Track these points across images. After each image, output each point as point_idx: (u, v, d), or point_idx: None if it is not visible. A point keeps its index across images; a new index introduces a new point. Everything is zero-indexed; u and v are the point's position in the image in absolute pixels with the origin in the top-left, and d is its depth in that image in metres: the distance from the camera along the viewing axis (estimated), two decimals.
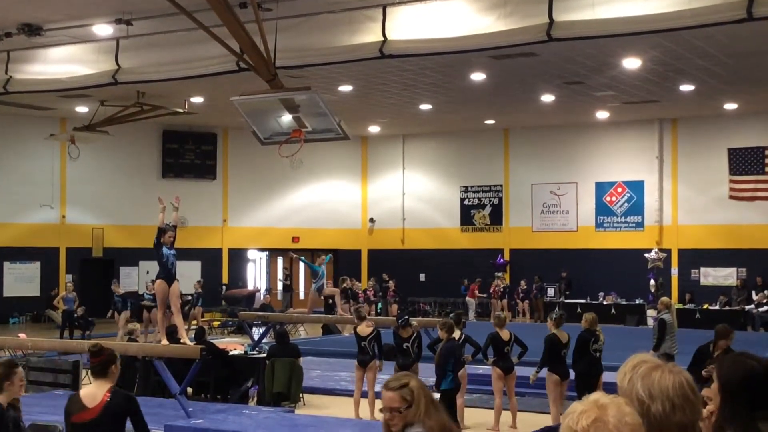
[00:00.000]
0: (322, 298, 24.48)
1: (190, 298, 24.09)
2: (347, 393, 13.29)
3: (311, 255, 23.63)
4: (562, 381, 11.03)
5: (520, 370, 12.09)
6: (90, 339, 20.36)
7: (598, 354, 11.13)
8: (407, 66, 19.55)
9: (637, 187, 28.21)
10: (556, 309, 17.17)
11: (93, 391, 5.65)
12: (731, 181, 26.25)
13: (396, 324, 12.34)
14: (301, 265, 26.13)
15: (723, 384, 3.01)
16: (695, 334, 19.57)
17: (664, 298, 13.84)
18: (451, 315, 12.26)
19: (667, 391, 2.42)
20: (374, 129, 30.17)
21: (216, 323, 24.94)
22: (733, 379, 3.00)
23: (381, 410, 3.73)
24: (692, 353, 9.63)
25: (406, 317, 12.68)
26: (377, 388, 12.50)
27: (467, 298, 28.28)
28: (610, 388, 2.48)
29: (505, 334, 11.75)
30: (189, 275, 24.78)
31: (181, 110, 23.67)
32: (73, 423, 5.62)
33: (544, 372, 11.24)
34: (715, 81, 21.42)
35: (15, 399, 6.77)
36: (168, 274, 12.20)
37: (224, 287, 29.45)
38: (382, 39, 13.12)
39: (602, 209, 28.76)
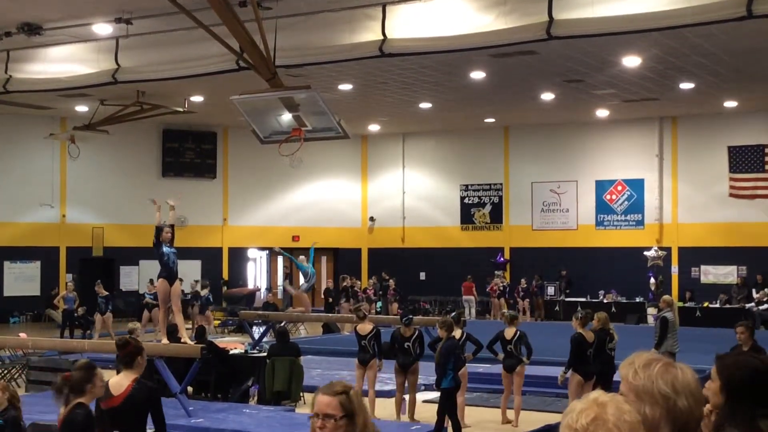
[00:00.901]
0: (324, 296, 24.50)
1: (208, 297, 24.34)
2: None
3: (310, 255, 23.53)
4: (585, 381, 10.84)
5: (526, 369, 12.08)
6: (90, 338, 20.36)
7: (612, 353, 11.13)
8: (407, 64, 19.53)
9: (637, 185, 28.19)
10: (580, 308, 16.84)
11: (120, 381, 5.95)
12: (731, 179, 26.24)
13: (401, 322, 12.34)
14: None
15: (725, 382, 3.01)
16: (696, 332, 19.60)
17: (666, 297, 13.81)
18: (453, 314, 12.23)
19: (689, 387, 2.45)
20: (374, 127, 30.15)
21: (216, 322, 24.92)
22: (736, 377, 3.01)
23: (311, 417, 3.38)
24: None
25: (410, 316, 12.69)
26: (378, 386, 12.53)
27: (463, 297, 28.19)
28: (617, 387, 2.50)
29: (508, 332, 11.72)
30: (190, 274, 24.77)
31: (180, 109, 23.65)
32: (101, 410, 5.92)
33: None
34: (715, 79, 21.41)
35: (15, 399, 6.77)
36: (170, 273, 12.21)
37: (225, 285, 29.41)
38: (381, 37, 13.13)
39: (602, 207, 28.75)
